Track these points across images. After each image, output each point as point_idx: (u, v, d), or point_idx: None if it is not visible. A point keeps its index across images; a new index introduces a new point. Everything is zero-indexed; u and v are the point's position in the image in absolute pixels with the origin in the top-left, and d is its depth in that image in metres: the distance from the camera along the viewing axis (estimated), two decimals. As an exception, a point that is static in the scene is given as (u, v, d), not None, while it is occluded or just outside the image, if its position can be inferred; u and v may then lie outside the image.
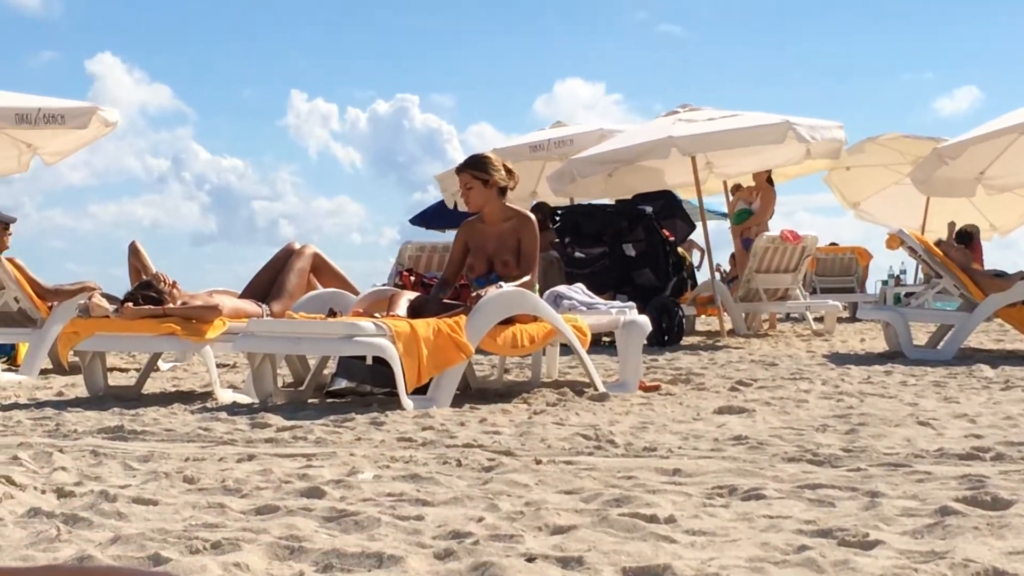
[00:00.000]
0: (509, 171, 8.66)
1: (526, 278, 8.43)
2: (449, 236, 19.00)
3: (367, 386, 8.29)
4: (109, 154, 43.85)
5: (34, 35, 41.75)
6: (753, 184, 17.45)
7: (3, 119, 12.62)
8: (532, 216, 8.64)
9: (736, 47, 43.58)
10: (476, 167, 8.59)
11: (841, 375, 9.98)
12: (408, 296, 8.37)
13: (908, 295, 17.14)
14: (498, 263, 8.53)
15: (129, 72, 40.25)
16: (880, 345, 13.50)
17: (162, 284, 8.98)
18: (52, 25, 40.30)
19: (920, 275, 20.55)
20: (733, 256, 19.45)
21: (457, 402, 7.82)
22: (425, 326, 7.74)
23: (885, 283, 22.11)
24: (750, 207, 17.29)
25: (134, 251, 10.13)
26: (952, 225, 17.50)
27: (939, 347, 12.36)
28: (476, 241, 8.66)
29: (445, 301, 8.39)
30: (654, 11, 42.61)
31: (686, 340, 14.61)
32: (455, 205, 18.87)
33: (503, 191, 8.61)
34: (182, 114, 43.25)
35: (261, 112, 45.02)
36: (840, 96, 41.51)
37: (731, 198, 17.95)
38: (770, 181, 17.34)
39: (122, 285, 9.82)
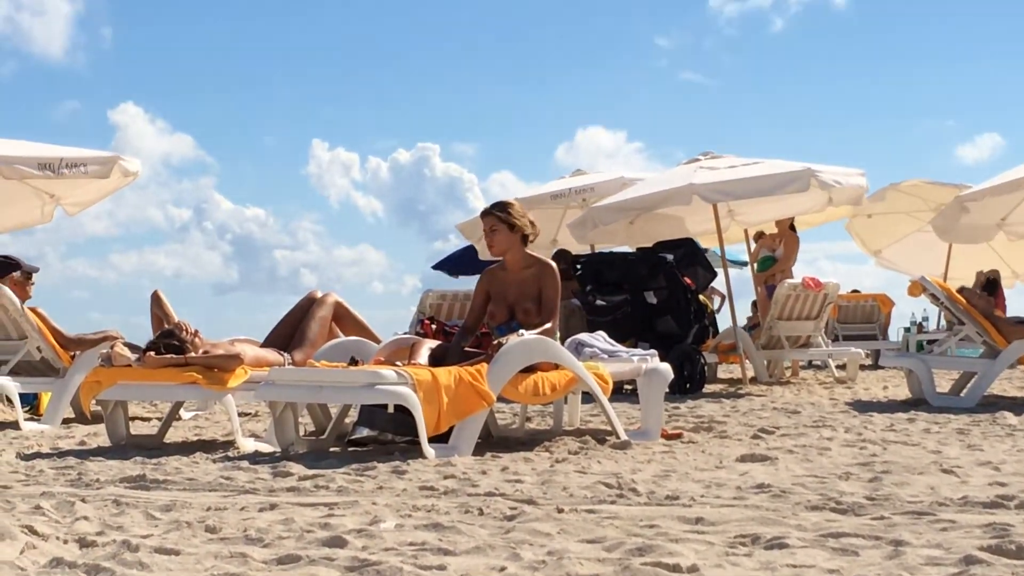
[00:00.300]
0: (531, 222, 8.70)
1: (547, 325, 8.44)
2: (468, 284, 19.01)
3: (389, 435, 8.28)
4: (131, 204, 44.11)
5: (58, 85, 42.07)
6: (776, 231, 17.46)
7: (26, 168, 12.68)
8: (553, 264, 8.67)
9: (757, 95, 43.68)
10: (503, 210, 8.65)
11: (864, 423, 9.94)
12: (429, 344, 8.37)
13: (931, 342, 17.10)
14: (519, 311, 8.54)
15: (152, 122, 40.54)
16: (903, 392, 13.46)
17: (184, 333, 8.99)
18: (76, 75, 40.61)
19: (943, 322, 20.49)
20: (755, 303, 19.43)
21: (479, 450, 7.81)
22: (446, 374, 7.74)
23: (907, 330, 22.05)
24: (773, 254, 17.30)
25: (156, 300, 10.16)
26: (980, 275, 17.45)
27: (962, 394, 12.32)
28: (497, 289, 8.69)
29: (466, 349, 8.39)
30: (675, 59, 42.74)
31: (708, 388, 14.59)
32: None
33: (526, 239, 8.65)
34: (204, 164, 43.49)
35: (283, 161, 45.26)
36: (862, 143, 41.59)
37: (754, 246, 17.95)
38: (793, 228, 17.36)
39: (144, 334, 9.85)
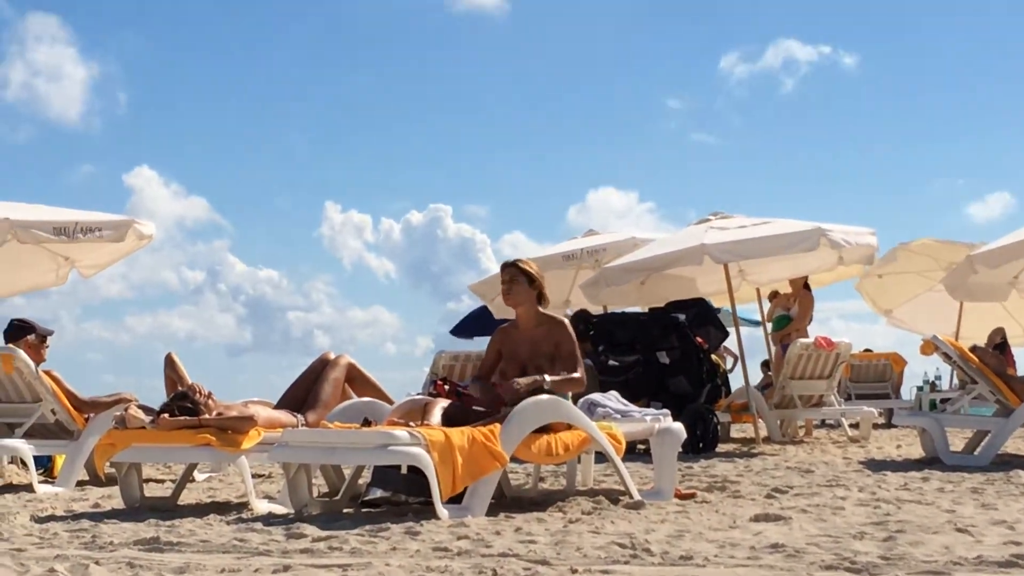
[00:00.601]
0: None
1: (576, 375, 8.54)
2: (481, 345, 19.01)
3: (402, 496, 8.28)
4: (146, 267, 44.02)
5: (74, 149, 42.12)
6: (790, 290, 17.48)
7: (41, 232, 12.74)
8: (565, 319, 8.78)
9: (768, 155, 43.59)
10: (523, 263, 8.81)
11: (877, 482, 9.92)
12: (442, 404, 8.39)
13: (943, 401, 17.06)
14: (532, 368, 8.58)
15: (166, 185, 40.55)
16: (916, 451, 13.43)
17: (198, 395, 9.01)
18: (91, 140, 40.68)
19: (955, 381, 20.44)
20: (765, 363, 19.41)
21: (492, 511, 7.81)
22: (460, 435, 7.74)
23: (920, 389, 22.02)
24: (788, 313, 17.31)
25: (170, 363, 10.17)
26: (996, 333, 17.43)
27: (976, 453, 12.29)
28: (510, 347, 8.75)
29: (476, 409, 8.40)
30: (686, 121, 42.70)
31: (721, 447, 14.56)
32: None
33: (541, 298, 8.75)
34: (219, 226, 43.51)
35: (296, 223, 45.19)
36: (873, 202, 41.50)
37: (769, 305, 17.97)
38: (807, 287, 17.37)
39: (158, 396, 9.87)
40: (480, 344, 21.74)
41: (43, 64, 38.69)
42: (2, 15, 37.89)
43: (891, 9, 41.65)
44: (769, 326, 17.78)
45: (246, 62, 41.88)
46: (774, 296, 18.09)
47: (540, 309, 8.77)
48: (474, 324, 25.40)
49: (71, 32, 39.98)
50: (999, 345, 16.93)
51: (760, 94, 41.97)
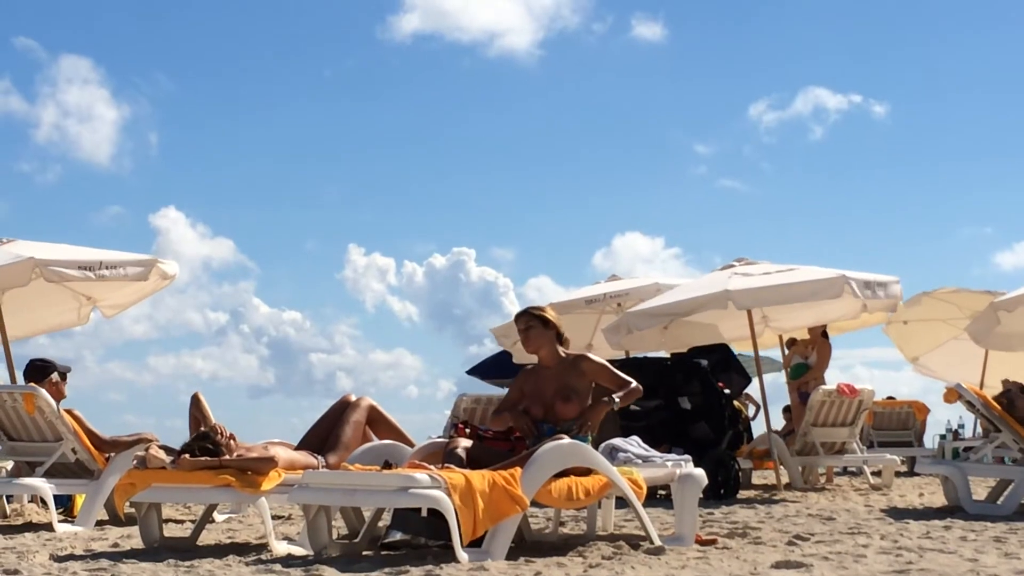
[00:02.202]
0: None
1: (631, 385, 8.98)
2: (502, 389, 18.98)
3: (422, 538, 8.27)
4: (171, 308, 44.03)
5: (103, 190, 42.26)
6: (808, 338, 17.43)
7: (66, 270, 12.78)
8: (586, 352, 8.99)
9: (796, 202, 43.46)
10: (536, 310, 9.00)
11: (900, 530, 9.88)
12: (464, 444, 8.44)
13: (967, 449, 16.97)
14: (558, 403, 8.69)
15: (193, 226, 40.66)
16: (939, 499, 13.37)
17: (219, 436, 9.02)
18: (121, 181, 40.83)
19: (979, 429, 20.34)
20: (786, 409, 19.34)
21: (512, 555, 7.79)
22: (480, 478, 7.74)
23: (943, 437, 21.91)
24: (806, 361, 17.26)
25: (196, 402, 10.20)
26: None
27: (999, 502, 12.22)
28: (534, 385, 8.86)
29: (498, 451, 8.42)
30: (714, 166, 42.63)
31: (742, 493, 14.51)
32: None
33: (560, 338, 8.92)
34: (244, 268, 43.59)
35: (320, 266, 45.27)
36: (900, 250, 41.33)
37: (786, 352, 17.92)
38: (825, 335, 17.32)
39: (179, 437, 9.88)
40: (498, 388, 21.74)
41: (74, 105, 38.98)
42: (35, 57, 38.19)
43: (921, 59, 41.64)
44: (787, 373, 17.73)
45: (275, 105, 42.10)
46: (792, 343, 18.05)
47: (561, 349, 8.87)
48: (492, 367, 25.42)
49: (103, 74, 40.29)
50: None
51: (789, 141, 41.94)
